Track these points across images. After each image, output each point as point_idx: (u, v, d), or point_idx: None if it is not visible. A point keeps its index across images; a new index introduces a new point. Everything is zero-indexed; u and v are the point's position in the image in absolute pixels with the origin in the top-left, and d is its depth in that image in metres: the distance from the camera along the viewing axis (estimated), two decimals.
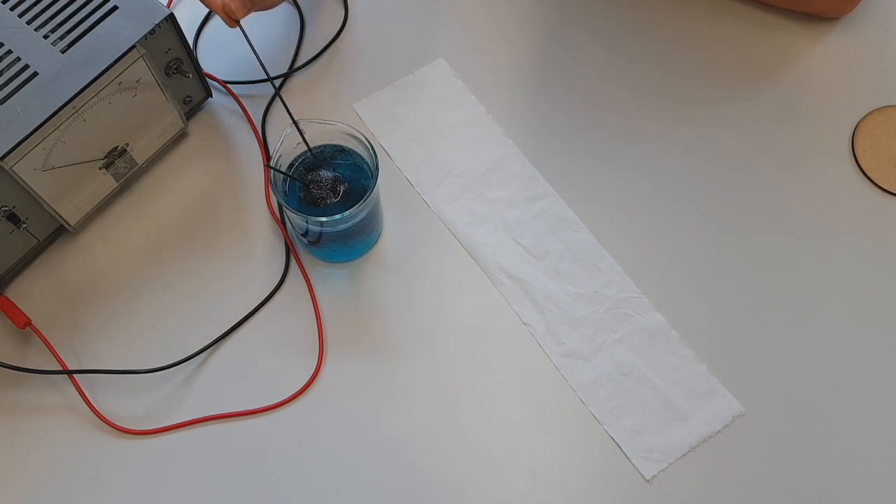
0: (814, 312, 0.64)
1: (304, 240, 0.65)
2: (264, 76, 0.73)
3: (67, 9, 0.61)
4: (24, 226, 0.62)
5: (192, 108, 0.71)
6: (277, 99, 0.73)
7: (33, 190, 0.60)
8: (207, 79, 0.72)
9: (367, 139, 0.60)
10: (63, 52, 0.60)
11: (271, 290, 0.65)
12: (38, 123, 0.57)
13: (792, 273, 0.65)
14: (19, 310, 0.63)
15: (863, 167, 0.68)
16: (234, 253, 0.67)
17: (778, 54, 0.74)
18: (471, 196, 0.68)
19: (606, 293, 0.64)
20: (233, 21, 0.62)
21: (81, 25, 0.61)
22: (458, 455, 0.60)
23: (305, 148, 0.62)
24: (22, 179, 0.58)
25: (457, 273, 0.66)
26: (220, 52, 0.75)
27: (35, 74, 0.59)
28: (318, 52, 0.75)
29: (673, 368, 0.62)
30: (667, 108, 0.72)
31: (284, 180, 0.61)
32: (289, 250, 0.67)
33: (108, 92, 0.60)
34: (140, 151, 0.67)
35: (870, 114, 0.71)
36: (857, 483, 0.58)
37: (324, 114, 0.72)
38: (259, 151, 0.71)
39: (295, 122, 0.59)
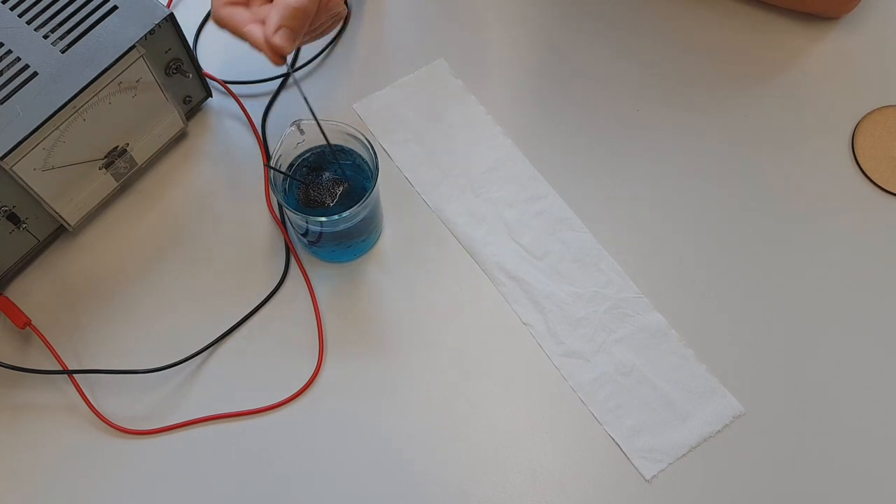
0: (813, 312, 0.64)
1: (304, 240, 0.65)
2: (264, 76, 0.74)
3: (67, 9, 0.61)
4: (24, 226, 0.62)
5: (192, 108, 0.71)
6: (277, 99, 0.73)
7: (33, 190, 0.60)
8: (207, 79, 0.72)
9: (367, 139, 0.60)
10: (63, 52, 0.60)
11: (271, 290, 0.65)
12: (38, 123, 0.57)
13: (792, 273, 0.65)
14: (19, 310, 0.63)
15: (863, 167, 0.68)
16: (234, 253, 0.67)
17: (778, 54, 0.74)
18: (471, 196, 0.68)
19: (606, 293, 0.64)
20: (279, 58, 0.56)
21: (81, 25, 0.61)
22: (458, 455, 0.60)
23: (305, 148, 0.62)
24: (22, 179, 0.58)
25: (457, 273, 0.66)
26: (220, 52, 0.75)
27: (35, 74, 0.59)
28: (318, 52, 0.75)
29: (673, 368, 0.62)
30: (666, 107, 0.72)
31: (284, 180, 0.61)
32: (289, 250, 0.67)
33: (108, 92, 0.60)
34: (140, 151, 0.67)
35: (870, 114, 0.71)
36: (857, 483, 0.58)
37: (324, 114, 0.72)
38: (259, 151, 0.71)
39: (318, 121, 0.58)
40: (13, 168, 0.57)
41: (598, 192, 0.68)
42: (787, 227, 0.67)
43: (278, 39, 0.55)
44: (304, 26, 0.57)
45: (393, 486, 0.59)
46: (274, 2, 0.56)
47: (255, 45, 0.57)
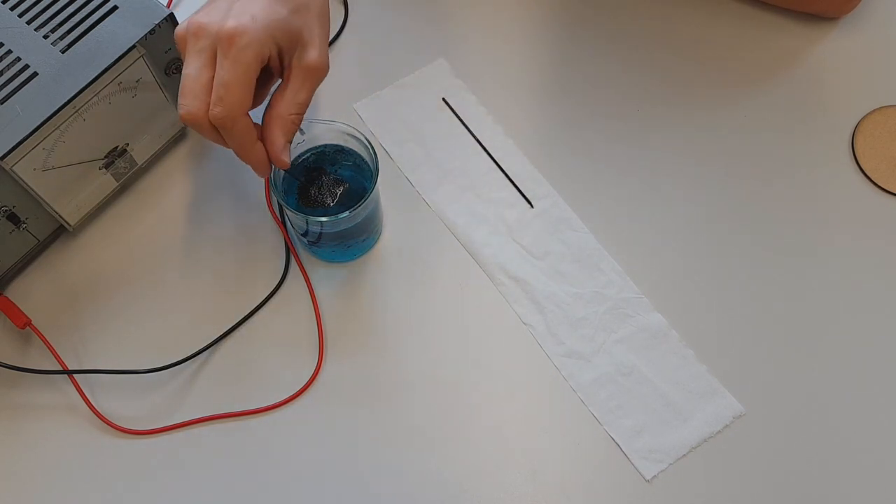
0: (813, 313, 0.64)
1: (304, 240, 0.65)
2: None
3: (67, 9, 0.61)
4: (24, 226, 0.62)
5: None
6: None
7: (33, 190, 0.60)
8: None
9: (367, 139, 0.60)
10: (63, 52, 0.60)
11: (271, 290, 0.65)
12: (38, 123, 0.57)
13: (792, 273, 0.65)
14: (19, 310, 0.63)
15: (863, 167, 0.68)
16: (233, 253, 0.67)
17: (778, 54, 0.74)
18: (471, 196, 0.68)
19: (607, 293, 0.64)
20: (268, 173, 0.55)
21: (81, 25, 0.61)
22: (458, 455, 0.60)
23: (305, 148, 0.62)
24: (22, 179, 0.58)
25: (457, 273, 0.66)
26: None
27: (35, 74, 0.59)
28: None
29: (673, 368, 0.62)
30: (666, 108, 0.72)
31: (284, 180, 0.61)
32: (289, 250, 0.67)
33: (108, 92, 0.60)
34: (140, 151, 0.67)
35: (870, 114, 0.71)
36: (857, 484, 0.58)
37: (324, 114, 0.72)
38: None
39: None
40: (13, 168, 0.57)
41: (599, 193, 0.68)
42: (787, 227, 0.67)
43: (286, 157, 0.54)
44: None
45: (393, 486, 0.59)
46: (271, 114, 0.54)
47: (256, 163, 0.54)
